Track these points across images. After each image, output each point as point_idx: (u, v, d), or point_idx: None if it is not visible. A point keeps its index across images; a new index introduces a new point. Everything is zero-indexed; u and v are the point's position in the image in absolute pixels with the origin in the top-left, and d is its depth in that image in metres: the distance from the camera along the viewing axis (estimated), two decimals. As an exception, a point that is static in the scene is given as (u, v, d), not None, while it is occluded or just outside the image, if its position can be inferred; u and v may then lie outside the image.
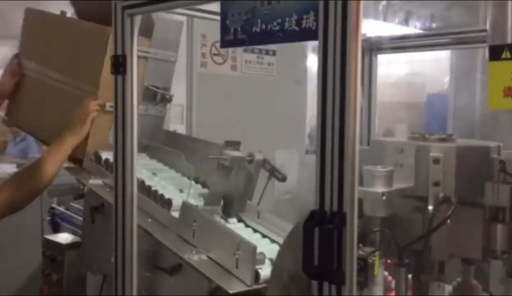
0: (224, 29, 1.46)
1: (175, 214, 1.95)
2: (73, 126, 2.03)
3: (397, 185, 1.67)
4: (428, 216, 1.63)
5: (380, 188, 1.62)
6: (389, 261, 1.75)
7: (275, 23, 1.33)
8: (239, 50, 3.87)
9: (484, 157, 1.65)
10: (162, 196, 2.02)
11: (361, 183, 1.64)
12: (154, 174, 2.23)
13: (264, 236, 1.99)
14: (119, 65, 1.71)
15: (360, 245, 1.66)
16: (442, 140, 1.71)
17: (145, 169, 2.23)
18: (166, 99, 2.37)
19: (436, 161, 1.63)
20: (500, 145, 1.71)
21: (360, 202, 1.62)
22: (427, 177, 1.65)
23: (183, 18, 2.66)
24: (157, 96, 2.32)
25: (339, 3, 1.17)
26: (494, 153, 1.68)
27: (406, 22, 4.14)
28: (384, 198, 1.60)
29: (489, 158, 1.64)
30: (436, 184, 1.63)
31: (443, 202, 1.61)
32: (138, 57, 1.72)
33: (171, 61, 2.36)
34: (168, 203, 1.99)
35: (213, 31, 1.56)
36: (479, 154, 1.66)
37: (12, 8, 3.99)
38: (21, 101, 2.62)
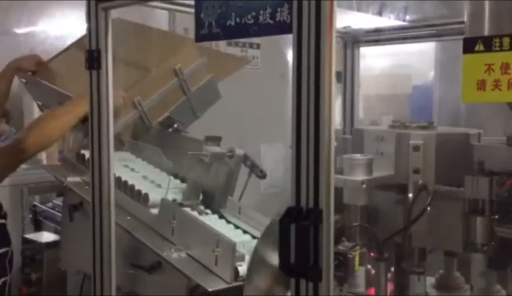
0: (199, 23, 1.43)
1: (155, 211, 1.92)
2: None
3: (377, 173, 1.65)
4: (408, 205, 1.62)
5: (360, 176, 1.60)
6: (372, 254, 1.75)
7: (249, 17, 1.31)
8: (222, 43, 3.83)
9: (464, 144, 1.64)
10: (139, 191, 2.00)
11: (341, 172, 1.62)
12: (134, 171, 2.20)
13: (245, 232, 1.97)
14: (94, 60, 1.68)
15: (344, 238, 1.66)
16: (422, 128, 1.70)
17: (136, 174, 2.21)
18: (177, 130, 2.54)
19: (416, 148, 1.62)
20: (480, 133, 1.70)
21: (340, 190, 1.61)
22: (407, 164, 1.64)
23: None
24: (173, 126, 2.51)
25: (313, -5, 1.15)
26: (474, 139, 1.67)
27: (380, 14, 4.13)
28: (364, 186, 1.58)
29: (469, 145, 1.63)
30: (416, 171, 1.62)
31: (422, 189, 1.60)
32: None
33: (196, 115, 2.65)
34: (145, 199, 1.96)
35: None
36: (459, 141, 1.65)
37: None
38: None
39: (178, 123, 2.54)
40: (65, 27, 3.65)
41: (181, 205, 1.96)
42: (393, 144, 1.66)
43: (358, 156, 1.65)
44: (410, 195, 1.63)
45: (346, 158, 1.63)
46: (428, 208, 1.58)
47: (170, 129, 2.51)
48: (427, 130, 1.68)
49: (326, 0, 1.14)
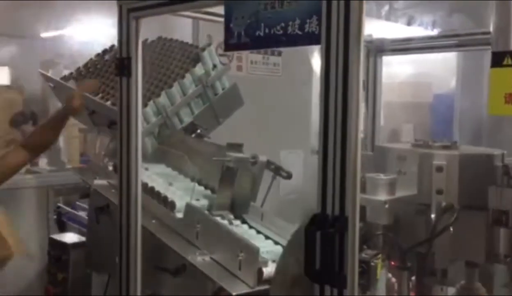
0: (228, 32, 1.47)
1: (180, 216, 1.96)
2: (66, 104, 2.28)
3: (400, 193, 1.65)
4: (431, 222, 1.63)
5: (382, 196, 1.61)
6: (392, 263, 1.75)
7: (278, 27, 1.34)
8: (244, 51, 3.86)
9: (488, 165, 1.63)
10: (166, 198, 2.03)
11: (363, 190, 1.64)
12: (170, 184, 2.24)
13: (267, 237, 1.99)
14: (124, 68, 1.72)
15: (365, 246, 1.67)
16: (446, 147, 1.69)
17: (161, 178, 2.26)
18: (200, 136, 2.60)
19: (439, 169, 1.61)
20: (504, 153, 1.69)
21: (363, 209, 1.62)
22: (430, 184, 1.63)
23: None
24: (196, 131, 2.57)
25: (342, 4, 1.17)
26: (498, 160, 1.66)
27: (408, 25, 4.13)
28: (386, 206, 1.59)
29: (493, 166, 1.62)
30: (439, 192, 1.62)
31: (446, 211, 1.60)
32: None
33: (219, 121, 2.72)
34: (172, 206, 1.99)
35: (219, 31, 1.58)
36: (483, 162, 1.64)
37: (18, 7, 4.02)
38: None
39: (201, 129, 2.58)
40: (92, 32, 3.73)
41: (211, 214, 1.99)
42: (416, 164, 1.66)
43: (381, 175, 1.66)
44: (433, 216, 1.64)
45: (369, 177, 1.64)
46: (451, 228, 1.58)
47: (193, 135, 2.55)
48: (450, 151, 1.67)
49: (355, 10, 1.16)
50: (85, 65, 2.83)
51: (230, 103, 2.73)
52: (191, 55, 2.65)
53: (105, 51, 2.88)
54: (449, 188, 1.61)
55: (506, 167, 1.57)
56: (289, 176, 2.20)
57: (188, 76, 2.57)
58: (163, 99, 2.48)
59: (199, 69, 2.60)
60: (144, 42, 2.79)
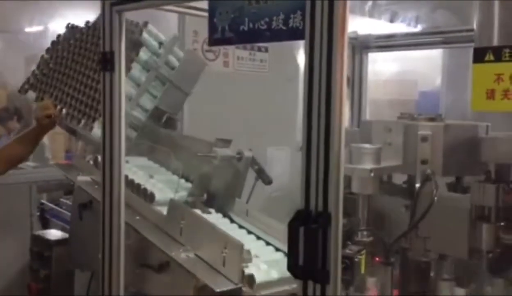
0: (212, 28, 1.46)
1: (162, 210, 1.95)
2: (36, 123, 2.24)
3: (385, 163, 1.65)
4: (415, 197, 1.62)
5: (368, 165, 1.60)
6: (377, 259, 1.76)
7: (262, 22, 1.33)
8: (231, 46, 3.85)
9: (472, 136, 1.64)
10: (145, 189, 2.02)
11: (349, 161, 1.62)
12: (151, 176, 2.21)
13: (250, 232, 1.98)
14: (107, 62, 1.70)
15: (349, 242, 1.67)
16: (431, 119, 1.70)
17: (141, 171, 2.23)
18: (172, 120, 2.46)
19: (424, 139, 1.63)
20: (488, 125, 1.70)
21: (348, 179, 1.61)
22: (415, 155, 1.65)
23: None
24: (163, 118, 2.40)
25: (326, 3, 1.17)
26: (482, 132, 1.67)
27: (391, 21, 4.16)
28: (372, 174, 1.58)
29: (477, 137, 1.64)
30: (424, 161, 1.63)
31: (428, 179, 1.61)
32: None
33: (186, 93, 2.49)
34: (151, 198, 1.98)
35: (205, 27, 1.57)
36: (467, 133, 1.65)
37: (1, 1, 3.97)
38: None
39: (168, 112, 2.40)
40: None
41: (186, 202, 1.98)
42: (401, 135, 1.67)
43: (366, 145, 1.65)
44: (418, 185, 1.64)
45: (355, 146, 1.63)
46: (435, 198, 1.57)
47: (163, 120, 2.38)
48: (435, 122, 1.69)
49: (339, 6, 1.16)
50: (38, 66, 2.50)
51: (191, 71, 2.48)
52: (133, 39, 2.30)
53: (53, 44, 2.52)
54: (434, 158, 1.63)
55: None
56: (269, 182, 2.19)
57: (135, 66, 2.30)
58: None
59: (144, 54, 2.33)
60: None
